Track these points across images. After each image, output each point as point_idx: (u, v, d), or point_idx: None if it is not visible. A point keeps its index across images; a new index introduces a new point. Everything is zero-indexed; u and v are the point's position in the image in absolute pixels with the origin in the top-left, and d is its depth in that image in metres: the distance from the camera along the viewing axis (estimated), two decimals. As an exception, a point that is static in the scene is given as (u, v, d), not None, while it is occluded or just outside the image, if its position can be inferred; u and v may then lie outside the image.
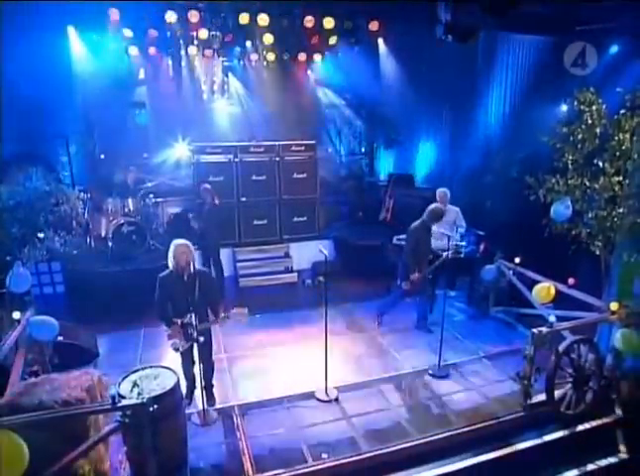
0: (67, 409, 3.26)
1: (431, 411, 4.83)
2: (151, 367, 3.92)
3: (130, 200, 7.92)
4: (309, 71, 10.76)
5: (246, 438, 4.32)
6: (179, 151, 9.42)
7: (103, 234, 7.79)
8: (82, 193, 4.80)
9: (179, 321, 4.40)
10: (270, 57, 10.19)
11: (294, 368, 5.54)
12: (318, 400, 4.89)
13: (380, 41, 9.56)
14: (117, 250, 7.42)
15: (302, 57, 10.43)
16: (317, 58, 10.65)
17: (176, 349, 4.46)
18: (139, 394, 3.39)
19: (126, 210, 7.85)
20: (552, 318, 4.63)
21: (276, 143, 8.75)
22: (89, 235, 7.84)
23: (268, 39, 9.14)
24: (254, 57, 10.11)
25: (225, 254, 8.26)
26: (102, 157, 9.27)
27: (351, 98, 10.76)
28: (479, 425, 4.49)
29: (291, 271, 8.45)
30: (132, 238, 7.53)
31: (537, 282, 5.80)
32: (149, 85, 9.61)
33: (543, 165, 6.24)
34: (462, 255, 6.80)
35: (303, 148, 8.87)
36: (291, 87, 10.51)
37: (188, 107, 9.99)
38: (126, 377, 3.75)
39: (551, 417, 4.59)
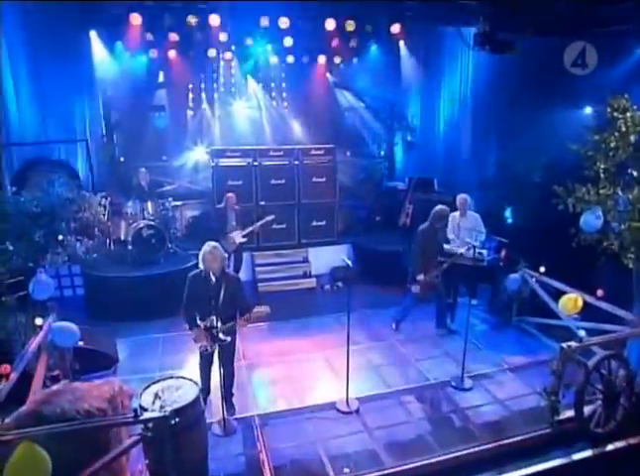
0: (90, 420, 3.24)
1: (454, 424, 4.73)
2: (172, 377, 3.89)
3: (149, 204, 7.92)
4: (328, 74, 10.68)
5: (266, 450, 4.26)
6: (198, 154, 9.43)
7: (123, 238, 7.81)
8: (104, 199, 4.76)
9: (202, 325, 4.38)
10: (290, 59, 10.16)
11: (314, 377, 5.49)
12: (339, 411, 4.82)
13: (402, 43, 9.44)
14: (136, 254, 7.43)
15: (322, 59, 10.37)
16: (337, 60, 10.57)
17: (205, 350, 4.46)
18: (161, 406, 3.35)
19: (145, 214, 7.85)
20: (582, 333, 4.49)
21: (296, 146, 8.72)
22: (109, 239, 7.87)
23: (288, 41, 9.09)
24: (273, 59, 10.08)
25: (243, 258, 8.27)
26: (122, 160, 9.32)
27: (370, 101, 10.66)
28: (504, 442, 4.37)
29: (310, 276, 8.39)
30: (151, 242, 7.53)
31: (562, 292, 5.65)
32: (168, 89, 9.63)
33: (569, 171, 6.09)
34: (484, 263, 6.66)
35: (322, 152, 8.82)
36: (310, 90, 10.46)
37: (207, 110, 10.01)
38: (147, 388, 3.72)
39: (579, 435, 4.44)
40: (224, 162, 8.30)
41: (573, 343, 4.38)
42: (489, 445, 4.35)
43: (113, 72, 8.67)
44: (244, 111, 10.36)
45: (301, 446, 4.34)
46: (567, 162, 6.49)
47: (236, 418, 4.68)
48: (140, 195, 7.98)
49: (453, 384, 5.28)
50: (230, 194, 7.55)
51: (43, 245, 4.11)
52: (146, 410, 3.39)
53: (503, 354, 5.99)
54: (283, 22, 8.27)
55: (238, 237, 7.51)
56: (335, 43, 9.33)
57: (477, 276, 6.90)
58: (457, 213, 7.10)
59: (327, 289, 8.22)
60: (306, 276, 8.41)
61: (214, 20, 7.90)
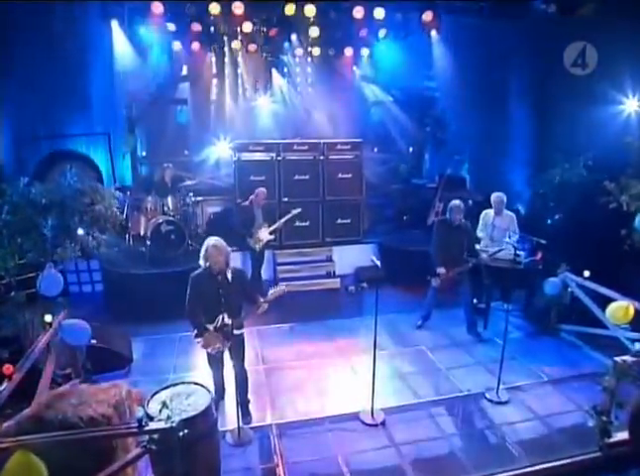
0: (90, 430, 2.98)
1: (490, 442, 4.30)
2: (183, 383, 3.60)
3: (169, 199, 7.71)
4: (355, 67, 10.30)
5: (284, 463, 3.94)
6: (220, 149, 9.19)
7: (142, 233, 7.62)
8: (118, 192, 4.53)
9: (212, 327, 4.12)
10: (316, 51, 9.83)
11: (337, 384, 5.13)
12: (363, 423, 4.46)
13: (434, 33, 8.96)
14: (155, 250, 7.22)
15: (349, 51, 10.01)
16: (364, 52, 10.19)
17: (221, 352, 4.24)
18: (168, 416, 3.05)
19: (165, 209, 7.65)
20: (638, 346, 4.00)
21: (321, 141, 8.37)
22: (128, 235, 7.69)
23: (314, 32, 8.75)
24: (299, 52, 9.76)
25: (265, 257, 8.00)
26: (143, 154, 9.16)
27: (399, 95, 10.22)
28: (546, 465, 3.93)
29: (334, 276, 8.04)
30: (170, 238, 7.31)
31: (609, 299, 5.15)
32: (191, 82, 9.42)
33: (616, 167, 5.58)
34: (521, 265, 6.19)
35: (349, 147, 8.45)
36: (337, 84, 10.11)
37: (231, 104, 9.76)
38: (155, 394, 3.44)
39: (634, 461, 3.96)
40: (246, 156, 8.01)
41: (628, 357, 3.91)
42: (530, 468, 3.91)
43: (134, 64, 8.52)
44: (268, 106, 10.08)
45: (321, 461, 4.00)
46: (613, 157, 6.00)
47: (252, 427, 4.37)
48: (160, 190, 7.79)
49: (487, 396, 4.85)
50: (261, 189, 7.15)
51: (52, 239, 3.87)
52: (152, 419, 3.11)
53: (541, 365, 5.52)
54: (309, 10, 7.93)
55: (265, 234, 7.13)
56: (363, 33, 8.95)
57: (512, 279, 6.43)
58: (491, 211, 6.69)
59: (351, 290, 7.84)
60: (330, 276, 8.06)
61: (238, 8, 7.61)
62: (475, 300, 6.39)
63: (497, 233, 6.52)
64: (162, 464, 3.12)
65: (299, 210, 7.50)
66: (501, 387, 4.90)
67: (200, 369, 5.05)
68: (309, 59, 9.94)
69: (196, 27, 8.18)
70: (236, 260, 7.78)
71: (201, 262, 4.15)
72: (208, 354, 4.33)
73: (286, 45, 9.53)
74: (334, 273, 8.10)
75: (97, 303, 7.21)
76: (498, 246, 6.34)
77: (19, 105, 7.12)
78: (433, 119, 10.06)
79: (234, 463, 3.93)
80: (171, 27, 8.16)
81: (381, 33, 9.06)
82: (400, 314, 6.77)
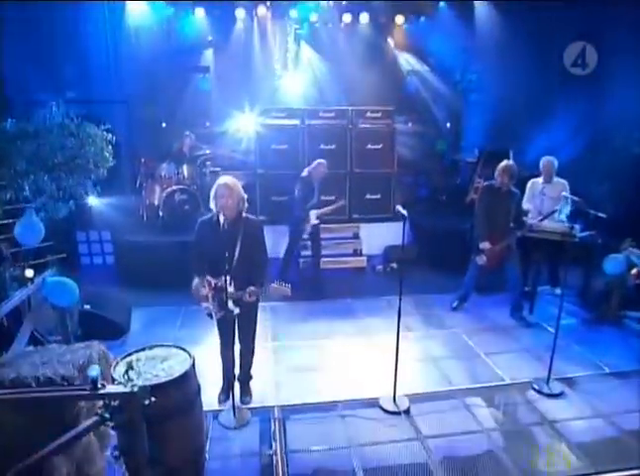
0: (29, 390, 2.41)
1: (538, 440, 3.49)
2: (162, 346, 2.98)
3: (185, 168, 7.21)
4: (390, 35, 9.50)
5: (282, 451, 3.27)
6: (243, 120, 8.61)
7: (156, 203, 7.14)
8: (110, 135, 3.98)
9: (213, 283, 3.49)
10: (347, 18, 9.12)
11: (354, 366, 4.43)
12: (383, 410, 3.74)
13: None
14: (167, 219, 6.74)
15: (383, 18, 9.25)
16: (399, 20, 9.39)
17: (209, 315, 3.63)
18: (129, 380, 2.44)
19: (180, 178, 7.14)
20: None
21: (349, 108, 7.67)
22: (142, 204, 7.24)
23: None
24: (328, 18, 9.07)
25: (286, 232, 7.39)
26: (163, 125, 8.70)
27: (435, 64, 9.35)
28: (615, 475, 3.09)
29: (360, 254, 7.32)
30: (184, 207, 6.81)
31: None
32: (215, 50, 8.89)
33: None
34: (576, 238, 5.29)
35: (380, 114, 7.71)
36: (369, 53, 9.32)
37: (255, 74, 9.17)
38: (128, 356, 2.84)
39: None
40: (268, 122, 7.40)
41: None
42: (594, 476, 3.10)
43: (153, 30, 8.10)
44: (295, 76, 9.42)
45: (329, 452, 3.31)
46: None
47: (250, 408, 3.72)
48: (176, 159, 7.32)
49: (536, 387, 4.03)
50: (321, 161, 6.13)
51: (24, 175, 3.34)
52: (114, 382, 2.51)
53: (602, 355, 4.63)
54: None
55: (313, 217, 6.12)
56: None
57: (564, 255, 5.54)
58: (539, 179, 5.88)
59: (379, 269, 7.11)
60: (356, 254, 7.35)
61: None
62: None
63: (548, 204, 5.68)
64: (126, 439, 2.50)
65: (343, 203, 6.83)
66: (553, 377, 4.06)
67: (205, 344, 4.44)
68: (341, 26, 9.21)
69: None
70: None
71: (211, 204, 3.54)
72: (217, 322, 3.71)
73: (315, 10, 8.86)
74: (360, 251, 7.38)
75: (107, 274, 6.75)
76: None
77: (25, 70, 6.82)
78: (474, 89, 9.13)
79: (226, 447, 3.31)
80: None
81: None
82: (433, 295, 6.01)
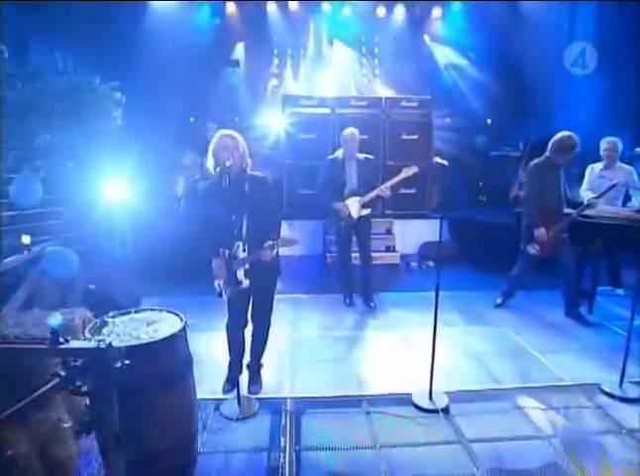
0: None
1: (614, 454, 2.77)
2: (152, 310, 2.53)
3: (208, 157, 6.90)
4: (427, 27, 9.06)
5: (292, 450, 2.71)
6: (272, 114, 8.31)
7: (179, 194, 6.84)
8: (119, 94, 3.65)
9: (226, 252, 3.02)
10: (381, 11, 8.76)
11: (383, 360, 3.83)
12: (417, 407, 3.12)
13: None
14: (187, 208, 6.39)
15: (418, 10, 8.84)
16: (436, 13, 8.95)
17: (219, 294, 3.14)
18: (99, 340, 1.98)
19: (203, 169, 6.82)
20: None
21: (383, 97, 7.23)
22: (164, 195, 6.94)
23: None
24: (362, 10, 8.73)
25: (315, 227, 6.93)
26: (191, 120, 8.50)
27: (476, 57, 8.81)
28: None
29: (393, 250, 6.75)
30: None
31: None
32: (246, 43, 8.68)
33: None
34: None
35: (415, 104, 7.24)
36: (404, 46, 8.89)
37: (288, 70, 8.89)
38: (111, 317, 2.39)
39: None
40: (296, 110, 7.04)
41: None
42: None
43: (180, 23, 7.97)
44: (327, 73, 9.08)
45: (350, 453, 2.71)
46: None
47: (259, 398, 3.19)
48: (200, 148, 7.03)
49: (606, 389, 3.31)
50: (346, 131, 4.85)
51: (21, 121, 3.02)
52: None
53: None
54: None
55: (356, 207, 4.80)
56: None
57: (629, 245, 4.80)
58: (598, 165, 5.22)
59: (413, 266, 6.51)
60: (389, 250, 6.78)
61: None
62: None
63: (610, 191, 4.97)
64: (92, 412, 2.02)
65: (415, 170, 5.08)
66: (627, 380, 3.34)
67: (216, 331, 3.93)
68: (373, 20, 8.85)
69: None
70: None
71: (209, 163, 3.11)
72: (228, 300, 3.24)
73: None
74: (394, 247, 6.81)
75: (123, 265, 6.42)
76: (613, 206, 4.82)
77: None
78: (518, 83, 8.51)
79: (226, 441, 2.77)
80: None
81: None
82: (475, 292, 5.35)
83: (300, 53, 8.88)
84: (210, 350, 3.74)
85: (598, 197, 4.56)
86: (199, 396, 2.94)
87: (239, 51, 8.69)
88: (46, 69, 3.21)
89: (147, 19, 8.01)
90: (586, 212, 4.49)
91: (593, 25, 8.03)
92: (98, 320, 2.31)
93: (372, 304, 4.93)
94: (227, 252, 3.05)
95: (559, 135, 4.57)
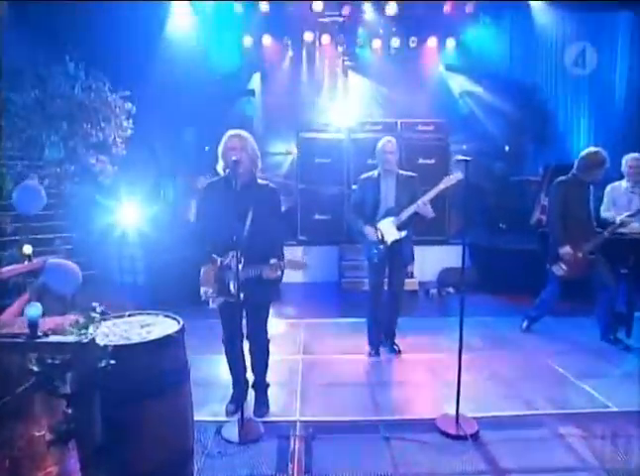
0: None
1: (673, 488, 2.40)
2: (148, 314, 2.31)
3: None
4: (438, 57, 9.11)
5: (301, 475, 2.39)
6: (286, 143, 8.31)
7: (191, 219, 6.75)
8: (130, 104, 3.58)
9: (219, 260, 2.83)
10: (395, 43, 8.84)
11: (402, 384, 3.51)
12: (442, 432, 2.78)
13: (536, 4, 7.54)
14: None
15: (432, 41, 8.90)
16: (450, 43, 9.01)
17: (206, 302, 2.91)
18: (81, 335, 1.76)
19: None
20: None
21: (398, 120, 7.16)
22: (176, 221, 6.86)
23: (392, 9, 7.81)
24: (376, 43, 8.84)
25: (329, 253, 6.71)
26: (207, 149, 8.53)
27: (490, 84, 8.76)
28: None
29: (411, 276, 6.46)
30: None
31: None
32: (262, 75, 8.79)
33: None
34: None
35: (432, 128, 7.18)
36: (419, 77, 8.91)
37: (302, 101, 8.95)
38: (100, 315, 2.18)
39: None
40: (310, 135, 7.00)
41: None
42: None
43: (196, 53, 8.11)
44: (342, 102, 9.12)
45: (368, 484, 2.39)
46: None
47: (265, 422, 2.88)
48: (212, 174, 7.00)
49: (656, 416, 2.94)
50: (388, 139, 4.22)
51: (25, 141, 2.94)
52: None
53: None
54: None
55: (389, 229, 4.11)
56: (447, 7, 7.83)
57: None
58: (622, 183, 4.91)
59: (433, 293, 6.20)
60: (407, 276, 6.49)
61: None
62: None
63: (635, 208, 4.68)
64: (71, 417, 1.77)
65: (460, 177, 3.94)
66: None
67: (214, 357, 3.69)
68: (390, 52, 8.93)
69: (264, 6, 7.59)
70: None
71: (219, 166, 2.96)
72: (220, 313, 3.02)
73: (362, 34, 8.66)
74: (412, 274, 6.51)
75: (136, 293, 6.25)
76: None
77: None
78: (536, 108, 8.41)
79: (221, 465, 2.46)
80: (239, 8, 7.65)
81: (469, 8, 7.87)
82: (498, 317, 5.02)
83: (316, 82, 8.97)
84: (217, 372, 3.47)
85: (632, 215, 4.28)
86: (201, 418, 2.70)
87: (255, 80, 8.81)
88: (55, 73, 3.15)
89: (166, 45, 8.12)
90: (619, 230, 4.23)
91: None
92: (85, 318, 2.10)
93: (395, 347, 4.10)
94: (220, 260, 2.86)
95: (586, 151, 4.37)
